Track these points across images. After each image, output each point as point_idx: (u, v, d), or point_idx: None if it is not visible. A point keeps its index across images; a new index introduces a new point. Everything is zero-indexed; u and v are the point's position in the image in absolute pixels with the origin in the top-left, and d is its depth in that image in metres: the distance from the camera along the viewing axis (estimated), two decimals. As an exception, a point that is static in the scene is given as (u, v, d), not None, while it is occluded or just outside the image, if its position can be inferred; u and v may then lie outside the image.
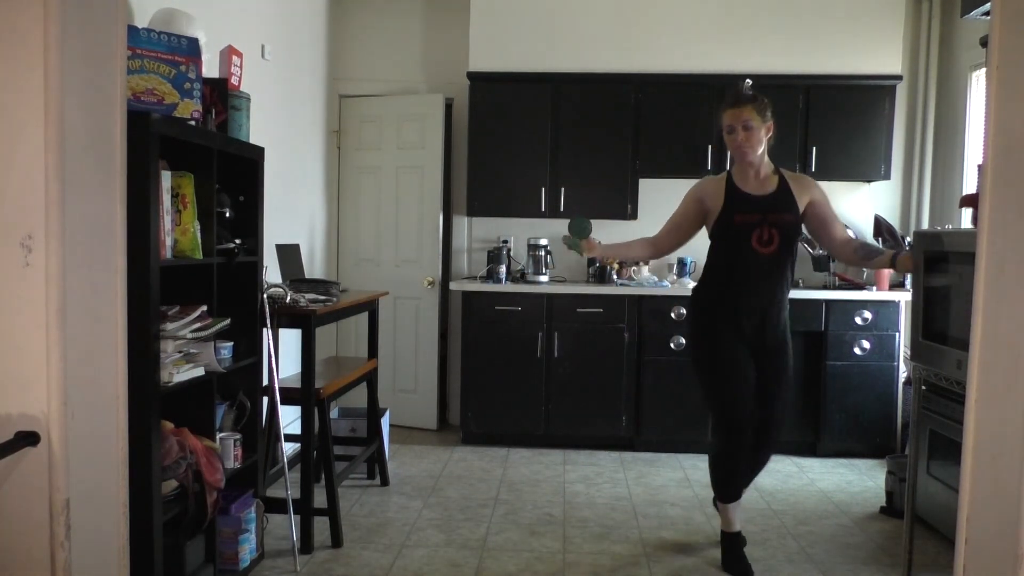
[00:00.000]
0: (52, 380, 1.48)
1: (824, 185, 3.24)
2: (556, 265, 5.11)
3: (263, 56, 4.09)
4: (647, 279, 4.89)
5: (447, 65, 5.23)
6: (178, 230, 2.43)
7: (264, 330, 2.99)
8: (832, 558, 3.20)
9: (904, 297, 4.52)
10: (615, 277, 4.95)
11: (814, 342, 4.59)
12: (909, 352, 3.53)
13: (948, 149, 4.91)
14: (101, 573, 1.64)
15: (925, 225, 5.04)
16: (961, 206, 4.14)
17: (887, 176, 4.83)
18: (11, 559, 1.51)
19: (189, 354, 2.46)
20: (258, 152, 2.95)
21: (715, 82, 4.70)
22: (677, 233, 3.14)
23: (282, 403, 3.11)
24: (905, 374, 4.57)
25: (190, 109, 2.39)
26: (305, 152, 4.83)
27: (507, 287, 4.75)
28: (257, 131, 3.43)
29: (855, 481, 4.24)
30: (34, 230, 1.46)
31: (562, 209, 4.89)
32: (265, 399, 3.13)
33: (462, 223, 5.35)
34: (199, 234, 2.49)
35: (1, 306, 1.48)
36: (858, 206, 5.08)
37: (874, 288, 4.67)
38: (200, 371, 2.51)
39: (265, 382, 3.06)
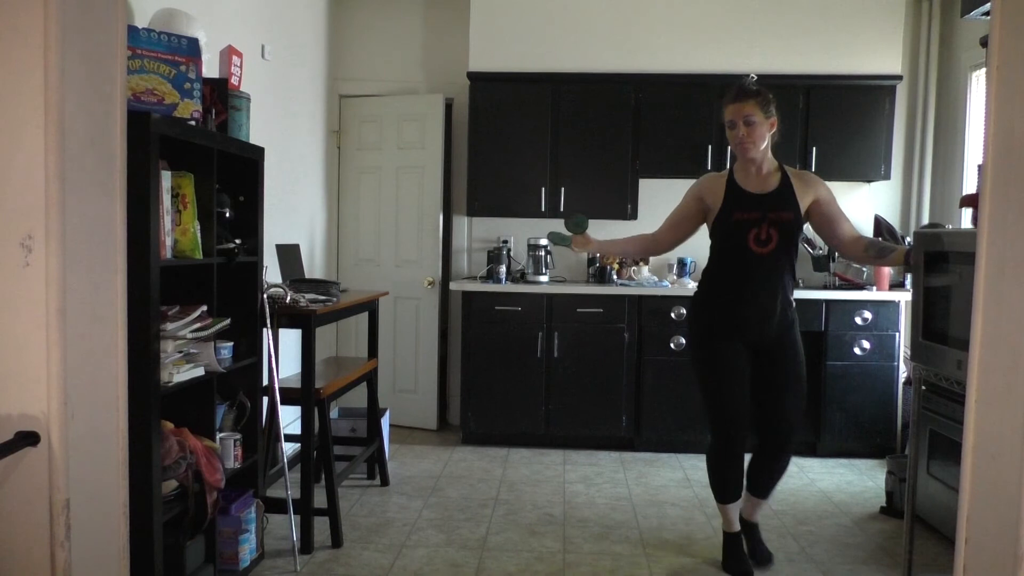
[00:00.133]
0: (52, 380, 1.48)
1: (824, 185, 3.23)
2: (556, 265, 5.11)
3: (263, 56, 4.09)
4: (647, 279, 4.89)
5: (447, 65, 5.23)
6: (178, 230, 2.43)
7: (264, 330, 2.99)
8: (832, 558, 3.20)
9: (904, 297, 4.52)
10: (615, 277, 4.95)
11: (814, 342, 4.58)
12: (909, 352, 3.53)
13: (948, 149, 4.91)
14: (101, 573, 1.64)
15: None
16: (961, 206, 4.14)
17: (887, 176, 4.83)
18: (11, 559, 1.51)
19: (189, 354, 2.46)
20: (258, 152, 2.95)
21: (715, 82, 4.70)
22: (677, 230, 3.10)
23: (282, 403, 3.11)
24: (905, 374, 4.57)
25: (190, 109, 2.39)
26: (305, 152, 4.83)
27: (507, 287, 4.75)
28: (257, 131, 3.43)
29: (855, 481, 4.24)
30: (34, 230, 1.46)
31: (562, 209, 4.89)
32: (265, 399, 3.13)
33: (462, 223, 5.35)
34: (199, 234, 2.49)
35: (1, 306, 1.48)
36: (858, 206, 5.08)
37: (874, 288, 4.67)
38: (200, 371, 2.51)
39: (265, 382, 3.06)
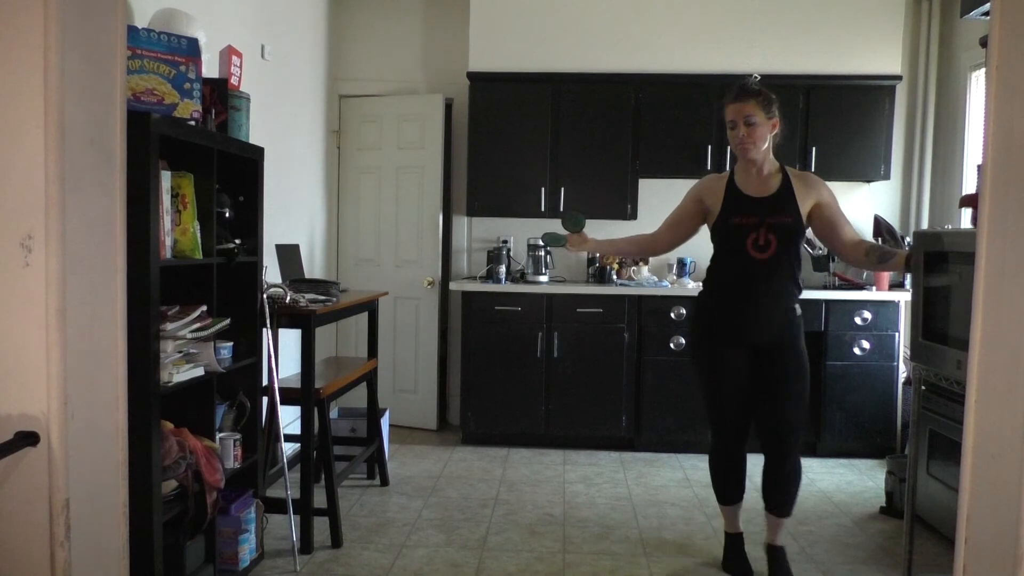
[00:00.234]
0: (52, 380, 1.48)
1: (824, 185, 3.21)
2: (556, 265, 5.11)
3: (263, 56, 4.09)
4: (647, 279, 4.89)
5: (447, 65, 5.23)
6: (178, 230, 2.43)
7: (264, 330, 2.99)
8: (832, 558, 3.20)
9: (904, 297, 4.52)
10: (615, 277, 4.95)
11: (814, 342, 4.57)
12: (909, 352, 3.53)
13: (948, 149, 4.91)
14: (101, 573, 1.64)
15: (925, 225, 5.05)
16: (961, 206, 4.14)
17: (887, 176, 4.83)
18: (11, 559, 1.51)
19: (189, 354, 2.46)
20: (258, 152, 2.95)
21: (715, 82, 4.70)
22: (675, 231, 3.06)
23: (282, 403, 3.11)
24: (905, 374, 4.57)
25: (190, 109, 2.39)
26: (305, 152, 4.83)
27: (507, 287, 4.75)
28: (257, 131, 3.43)
29: (855, 481, 4.24)
30: (34, 230, 1.46)
31: (562, 209, 4.89)
32: (265, 399, 3.13)
33: (462, 223, 5.35)
34: (199, 234, 2.49)
35: (1, 306, 1.48)
36: (858, 206, 5.08)
37: (874, 288, 4.67)
38: (200, 371, 2.51)
39: (265, 382, 3.06)
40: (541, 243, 3.18)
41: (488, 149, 4.92)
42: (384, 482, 4.01)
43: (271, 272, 3.52)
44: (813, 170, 4.68)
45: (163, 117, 2.28)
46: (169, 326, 2.35)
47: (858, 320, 4.56)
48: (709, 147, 4.81)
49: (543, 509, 3.72)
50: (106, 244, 1.63)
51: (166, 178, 2.35)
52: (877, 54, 4.74)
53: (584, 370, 4.68)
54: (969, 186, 4.62)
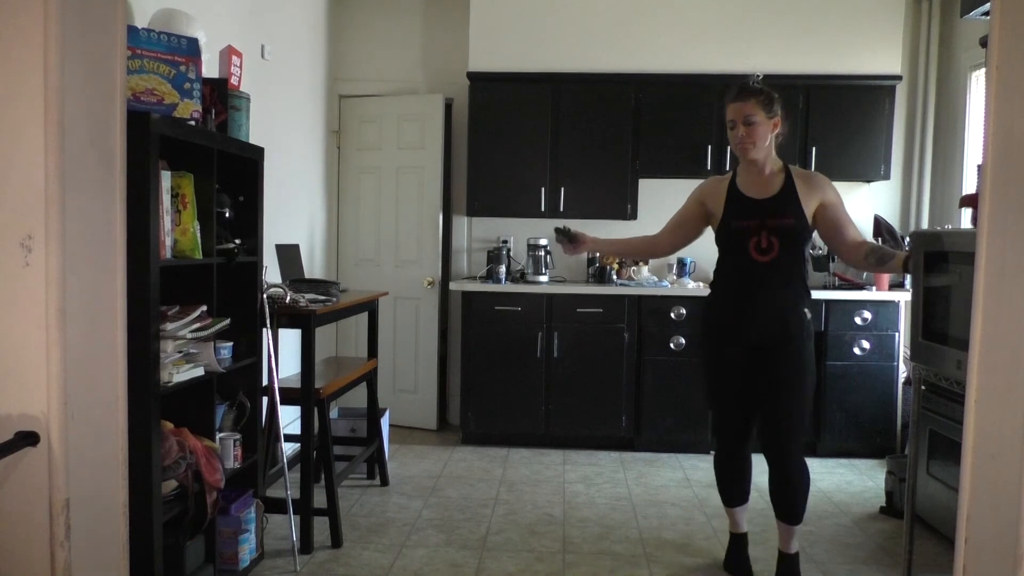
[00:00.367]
0: (52, 380, 1.48)
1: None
2: (556, 265, 5.11)
3: (263, 56, 4.09)
4: (647, 279, 4.89)
5: (447, 65, 5.23)
6: (178, 230, 2.43)
7: (264, 330, 2.99)
8: (832, 558, 3.20)
9: (904, 297, 4.52)
10: (615, 277, 4.95)
11: (814, 342, 4.58)
12: (909, 352, 3.53)
13: (948, 149, 4.91)
14: (101, 573, 1.64)
15: (925, 225, 5.04)
16: (961, 206, 4.14)
17: (887, 176, 4.83)
18: (11, 559, 1.51)
19: (189, 354, 2.46)
20: (258, 152, 2.95)
21: (715, 82, 4.69)
22: (678, 233, 3.02)
23: (282, 403, 3.11)
24: (905, 374, 4.57)
25: (190, 109, 2.39)
26: (305, 152, 4.83)
27: (507, 287, 4.75)
28: (257, 131, 3.43)
29: (855, 481, 4.24)
30: (34, 230, 1.46)
31: (562, 209, 4.89)
32: (265, 399, 3.13)
33: (462, 223, 5.35)
34: (199, 234, 2.50)
35: (1, 306, 1.48)
36: (858, 206, 5.08)
37: (874, 288, 4.67)
38: (200, 371, 2.51)
39: (265, 382, 3.06)
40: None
41: (488, 149, 4.92)
42: (384, 482, 4.01)
43: (271, 272, 3.52)
44: (813, 170, 4.67)
45: (163, 117, 2.28)
46: (169, 326, 2.35)
47: (858, 320, 4.56)
48: (709, 147, 4.81)
49: (543, 509, 3.72)
50: (106, 244, 1.63)
51: (166, 178, 2.35)
52: (877, 54, 4.74)
53: (584, 370, 4.68)
54: (969, 186, 4.62)
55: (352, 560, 3.09)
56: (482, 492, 3.94)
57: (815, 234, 2.85)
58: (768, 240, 2.73)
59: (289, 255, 3.80)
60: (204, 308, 2.51)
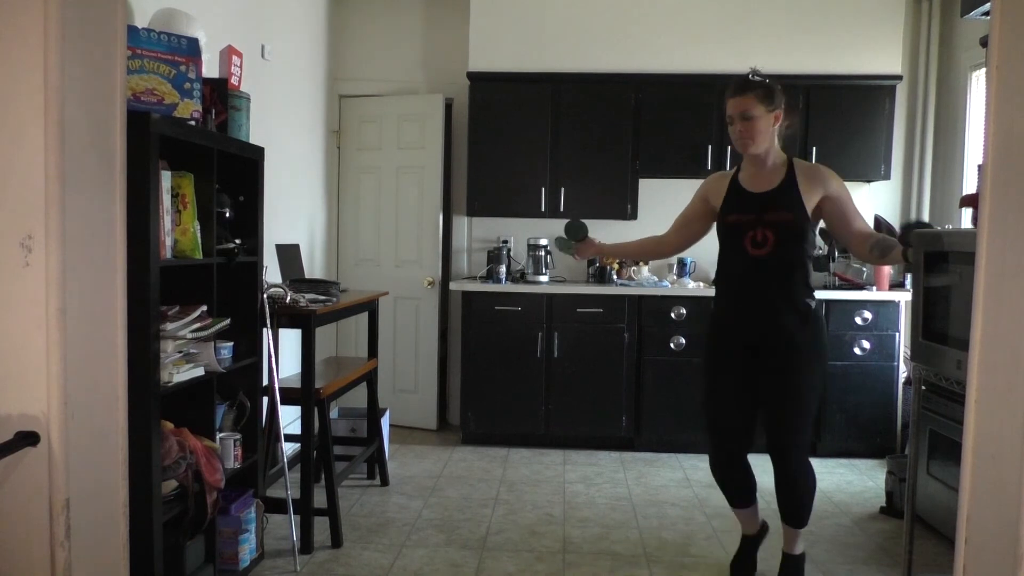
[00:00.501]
0: (52, 380, 1.48)
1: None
2: (556, 265, 5.11)
3: (263, 56, 4.09)
4: (647, 279, 4.89)
5: (447, 65, 5.23)
6: (178, 230, 2.43)
7: (264, 330, 2.99)
8: (832, 558, 3.20)
9: (904, 297, 4.52)
10: (615, 277, 4.95)
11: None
12: (909, 352, 3.53)
13: (948, 149, 4.91)
14: (101, 573, 1.64)
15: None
16: (961, 206, 4.14)
17: (887, 176, 4.83)
18: (11, 559, 1.51)
19: (189, 354, 2.46)
20: (258, 152, 2.95)
21: (715, 82, 4.69)
22: (684, 232, 2.98)
23: (282, 403, 3.11)
24: (905, 374, 4.57)
25: (190, 109, 2.39)
26: (305, 152, 4.83)
27: (507, 287, 4.76)
28: (257, 131, 3.43)
29: (855, 481, 4.24)
30: (34, 230, 1.46)
31: (562, 209, 4.89)
32: (265, 399, 3.13)
33: (462, 223, 5.35)
34: (199, 234, 2.49)
35: (1, 306, 1.48)
36: (858, 206, 5.03)
37: (874, 288, 4.67)
38: (200, 371, 2.51)
39: (265, 382, 3.06)
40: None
41: (488, 149, 4.92)
42: (384, 482, 4.01)
43: (271, 272, 3.52)
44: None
45: (163, 117, 2.28)
46: (169, 326, 2.35)
47: (858, 320, 4.56)
48: (709, 147, 4.81)
49: (543, 509, 3.72)
50: (106, 244, 1.63)
51: (166, 178, 2.35)
52: (877, 54, 4.74)
53: (584, 370, 4.68)
54: (969, 186, 4.62)
55: (352, 560, 3.09)
56: (482, 492, 3.94)
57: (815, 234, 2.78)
58: (763, 234, 2.67)
59: (289, 255, 3.80)
60: (204, 308, 2.51)
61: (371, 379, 3.94)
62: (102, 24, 1.60)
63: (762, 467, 2.83)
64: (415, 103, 5.16)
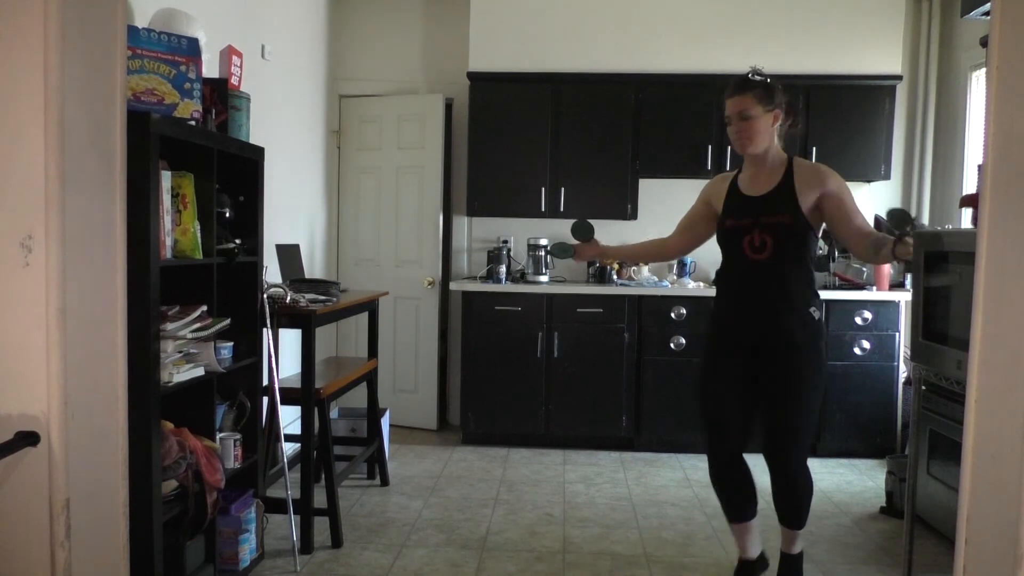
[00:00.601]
0: (52, 380, 1.48)
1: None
2: (556, 265, 5.11)
3: (263, 56, 4.09)
4: (647, 279, 4.89)
5: (447, 65, 5.23)
6: (178, 230, 2.43)
7: (264, 330, 2.99)
8: (832, 558, 3.20)
9: (904, 297, 4.52)
10: (615, 277, 4.95)
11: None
12: (909, 352, 3.53)
13: (948, 149, 4.91)
14: (101, 573, 1.64)
15: (925, 225, 5.04)
16: (961, 206, 4.14)
17: (887, 176, 4.83)
18: (11, 559, 1.51)
19: (189, 354, 2.46)
20: (258, 152, 2.95)
21: (715, 82, 4.69)
22: (688, 235, 2.94)
23: (282, 403, 3.11)
24: (905, 374, 4.57)
25: (190, 109, 2.39)
26: (305, 152, 4.83)
27: (507, 287, 4.76)
28: (257, 131, 3.43)
29: (855, 481, 4.24)
30: (34, 230, 1.46)
31: (562, 209, 4.90)
32: (265, 399, 3.13)
33: (462, 223, 5.35)
34: (199, 234, 2.49)
35: (1, 306, 1.48)
36: (858, 206, 5.06)
37: (874, 288, 4.67)
38: (200, 371, 2.51)
39: (265, 382, 3.06)
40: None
41: (488, 149, 4.92)
42: (384, 482, 4.01)
43: (271, 272, 3.52)
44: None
45: (163, 117, 2.28)
46: (169, 326, 2.35)
47: (858, 320, 4.56)
48: (709, 147, 4.81)
49: (543, 509, 3.72)
50: (106, 244, 1.63)
51: (166, 178, 2.35)
52: (877, 54, 4.74)
53: (584, 370, 4.68)
54: (969, 186, 4.62)
55: (352, 560, 3.09)
56: (482, 492, 3.94)
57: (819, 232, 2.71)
58: (761, 239, 2.61)
59: (289, 255, 3.80)
60: (204, 308, 2.51)
61: (371, 379, 3.94)
62: (102, 24, 1.60)
63: (761, 467, 2.81)
64: (415, 103, 5.16)
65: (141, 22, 2.68)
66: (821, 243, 4.55)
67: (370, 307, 3.99)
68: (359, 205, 5.33)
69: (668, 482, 4.17)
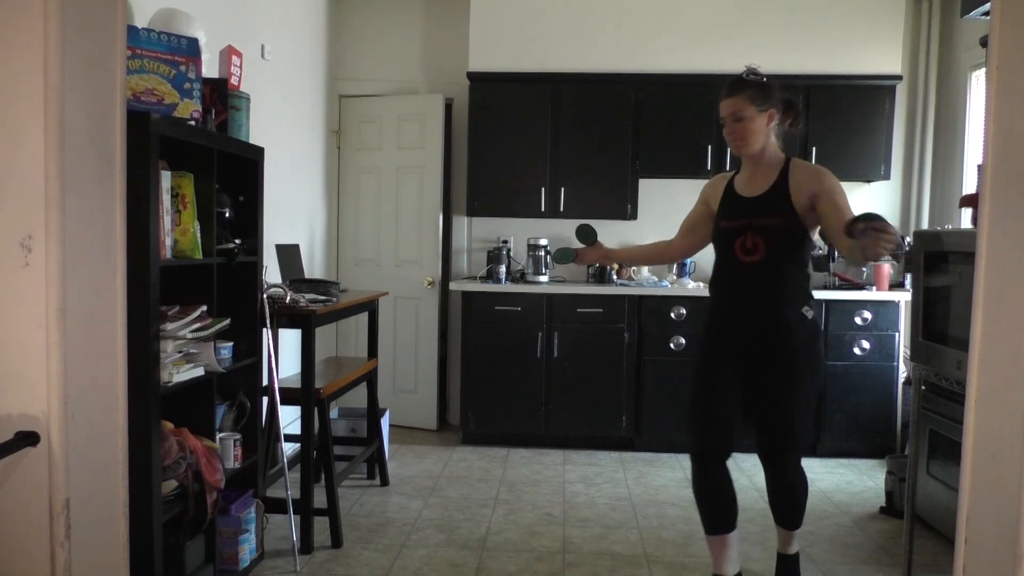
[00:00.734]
0: (52, 380, 1.48)
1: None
2: (556, 265, 5.11)
3: (263, 56, 4.09)
4: (647, 279, 4.89)
5: (447, 65, 5.23)
6: (178, 230, 2.43)
7: (264, 330, 2.99)
8: (832, 558, 3.20)
9: (904, 297, 4.52)
10: (615, 277, 4.95)
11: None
12: (909, 352, 3.53)
13: (948, 149, 4.91)
14: (101, 573, 1.64)
15: (925, 225, 5.05)
16: (961, 206, 4.14)
17: (887, 176, 4.83)
18: (11, 559, 1.51)
19: (189, 354, 2.46)
20: (258, 152, 2.95)
21: (715, 82, 4.65)
22: (690, 237, 2.92)
23: (282, 403, 3.11)
24: (905, 374, 4.57)
25: (190, 109, 2.39)
26: (305, 152, 4.83)
27: (507, 287, 4.76)
28: (257, 131, 3.43)
29: (855, 481, 4.24)
30: (34, 230, 1.46)
31: (562, 209, 4.89)
32: (265, 399, 3.13)
33: (462, 223, 5.35)
34: (199, 234, 2.49)
35: (1, 306, 1.48)
36: (858, 206, 5.06)
37: (874, 288, 4.67)
38: (200, 371, 2.51)
39: (265, 382, 3.06)
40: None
41: (488, 149, 4.92)
42: (384, 482, 4.01)
43: (271, 272, 3.53)
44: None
45: (163, 117, 2.28)
46: (169, 326, 2.35)
47: (858, 320, 4.56)
48: (709, 147, 4.81)
49: (543, 509, 3.72)
50: (106, 244, 1.63)
51: (166, 178, 2.35)
52: (877, 54, 4.74)
53: (584, 370, 4.68)
54: (969, 186, 4.62)
55: (352, 560, 3.09)
56: (482, 492, 3.94)
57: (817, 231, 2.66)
58: (753, 241, 2.57)
59: (289, 255, 3.80)
60: (204, 308, 2.51)
61: (371, 379, 3.94)
62: (102, 24, 1.60)
63: (758, 467, 2.80)
64: (415, 103, 5.16)
65: (141, 22, 2.68)
66: (821, 243, 4.55)
67: (370, 307, 3.99)
68: (359, 205, 5.33)
69: (668, 482, 4.17)
